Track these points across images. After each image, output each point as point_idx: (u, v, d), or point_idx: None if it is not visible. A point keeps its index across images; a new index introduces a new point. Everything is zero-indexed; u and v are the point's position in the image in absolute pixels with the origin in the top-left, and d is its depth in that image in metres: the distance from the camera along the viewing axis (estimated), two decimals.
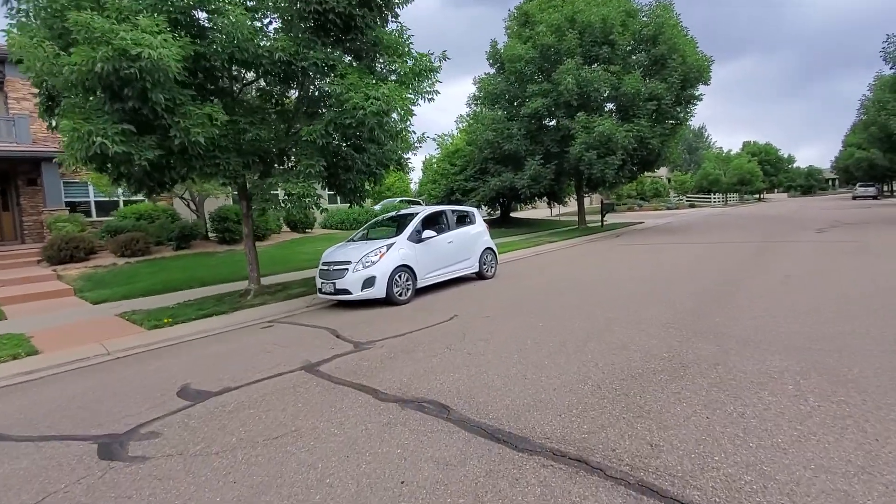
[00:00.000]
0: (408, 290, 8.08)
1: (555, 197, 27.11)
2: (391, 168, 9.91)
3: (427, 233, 8.52)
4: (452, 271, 9.16)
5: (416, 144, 10.46)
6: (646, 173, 28.12)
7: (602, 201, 25.29)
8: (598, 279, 8.97)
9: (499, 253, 14.80)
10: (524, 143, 19.55)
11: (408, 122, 9.00)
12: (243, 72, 8.77)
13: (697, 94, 19.85)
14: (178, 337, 6.99)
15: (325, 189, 9.84)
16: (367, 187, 9.82)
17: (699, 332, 5.11)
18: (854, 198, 50.68)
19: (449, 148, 28.16)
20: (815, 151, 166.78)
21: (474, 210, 10.32)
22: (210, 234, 18.03)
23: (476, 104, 22.79)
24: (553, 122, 21.09)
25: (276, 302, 8.87)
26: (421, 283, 8.42)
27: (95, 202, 19.22)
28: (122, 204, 19.54)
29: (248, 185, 9.02)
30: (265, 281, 11.30)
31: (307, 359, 5.21)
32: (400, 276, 7.95)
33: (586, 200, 25.10)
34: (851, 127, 63.36)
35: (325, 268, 8.13)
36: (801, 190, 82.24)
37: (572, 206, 32.47)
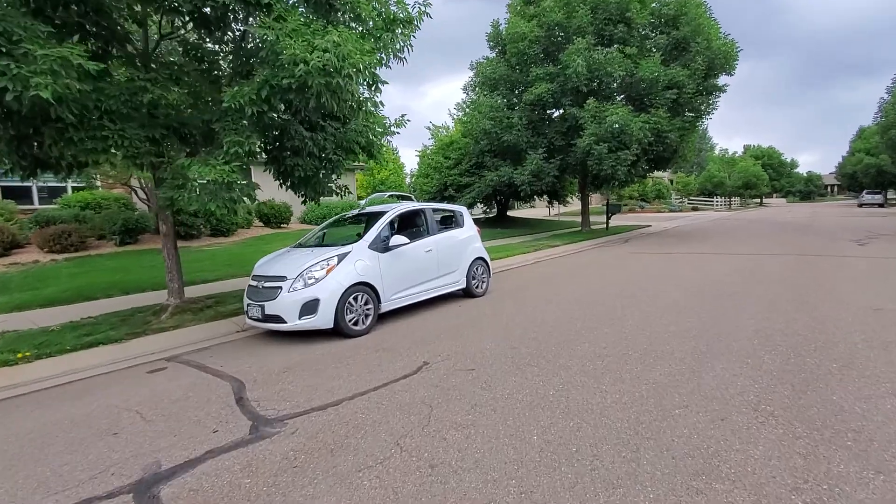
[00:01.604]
0: (367, 316, 5.93)
1: (556, 196, 24.98)
2: (359, 155, 7.74)
3: (396, 239, 6.35)
4: (431, 289, 7.01)
5: (392, 128, 8.32)
6: (652, 173, 26.08)
7: (607, 202, 23.21)
8: (621, 303, 6.86)
9: (494, 259, 12.73)
10: (525, 135, 17.38)
11: (375, 92, 6.83)
12: (156, 16, 6.58)
13: (721, 84, 17.74)
14: (26, 383, 4.84)
15: (278, 180, 7.66)
16: (328, 179, 7.63)
17: (832, 437, 3.01)
18: (860, 205, 49.09)
19: (443, 140, 25.96)
20: (812, 157, 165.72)
21: (462, 210, 8.16)
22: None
23: (473, 91, 20.58)
24: (558, 113, 18.93)
25: (198, 323, 6.71)
26: (387, 307, 6.28)
27: (38, 188, 16.95)
28: (70, 190, 17.31)
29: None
30: (204, 288, 9.14)
31: (158, 460, 3.06)
32: (356, 299, 5.79)
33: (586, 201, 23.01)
34: (859, 132, 61.75)
35: (255, 283, 5.97)
36: (801, 196, 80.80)
37: (573, 205, 30.39)
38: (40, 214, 13.91)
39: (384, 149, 8.80)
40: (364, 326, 5.85)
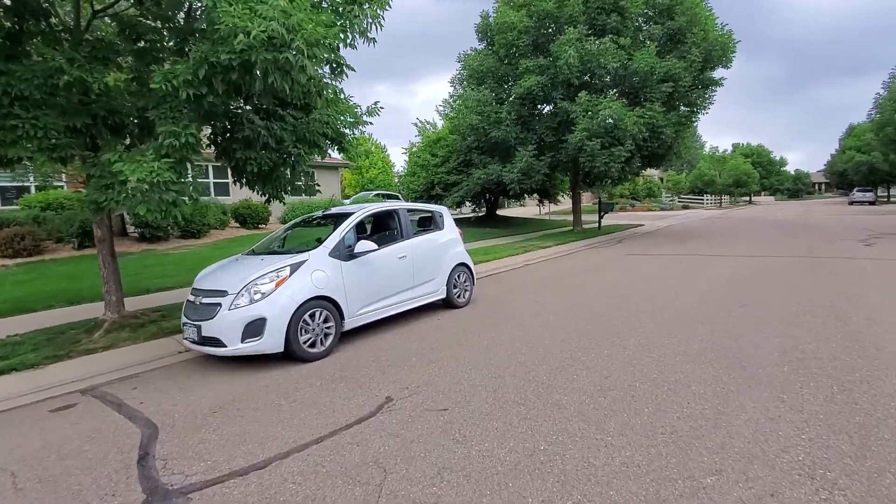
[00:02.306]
0: (326, 336, 5.04)
1: (547, 194, 24.24)
2: (324, 148, 6.84)
3: (363, 244, 5.46)
4: (406, 301, 6.14)
5: (364, 117, 7.45)
6: (645, 171, 25.45)
7: (599, 200, 22.47)
8: (620, 315, 6.05)
9: (480, 261, 11.90)
10: (514, 131, 16.56)
11: (338, 76, 5.93)
12: None
13: (718, 78, 17.05)
14: None
15: (233, 176, 6.74)
16: (293, 176, 6.73)
17: None
18: (851, 203, 49.10)
19: (430, 137, 25.07)
20: (799, 156, 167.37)
21: (442, 210, 7.29)
22: (131, 230, 14.77)
23: (460, 85, 19.71)
24: (549, 108, 18.14)
25: (134, 343, 5.79)
26: (353, 323, 5.39)
27: (2, 188, 15.82)
28: (33, 190, 16.20)
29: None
30: (157, 298, 8.21)
31: None
32: (312, 316, 4.91)
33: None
34: (849, 130, 61.84)
35: (192, 298, 5.05)
36: (788, 194, 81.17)
37: (564, 204, 29.67)
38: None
39: (360, 143, 7.90)
40: (322, 348, 4.97)
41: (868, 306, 6.04)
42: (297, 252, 5.25)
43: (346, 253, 5.39)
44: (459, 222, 24.51)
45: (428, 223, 7.17)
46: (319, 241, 5.40)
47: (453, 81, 20.26)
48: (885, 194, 56.63)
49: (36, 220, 13.40)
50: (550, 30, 16.05)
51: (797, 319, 5.56)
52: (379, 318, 5.75)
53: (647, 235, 18.57)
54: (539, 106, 17.93)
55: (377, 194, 30.06)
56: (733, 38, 16.33)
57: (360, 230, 6.92)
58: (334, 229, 5.52)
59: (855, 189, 51.61)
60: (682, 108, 17.59)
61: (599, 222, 20.78)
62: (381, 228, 6.66)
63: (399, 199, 30.44)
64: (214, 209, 16.92)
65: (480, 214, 25.81)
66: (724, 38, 16.09)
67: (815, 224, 20.85)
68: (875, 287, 7.18)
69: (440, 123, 26.72)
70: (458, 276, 7.02)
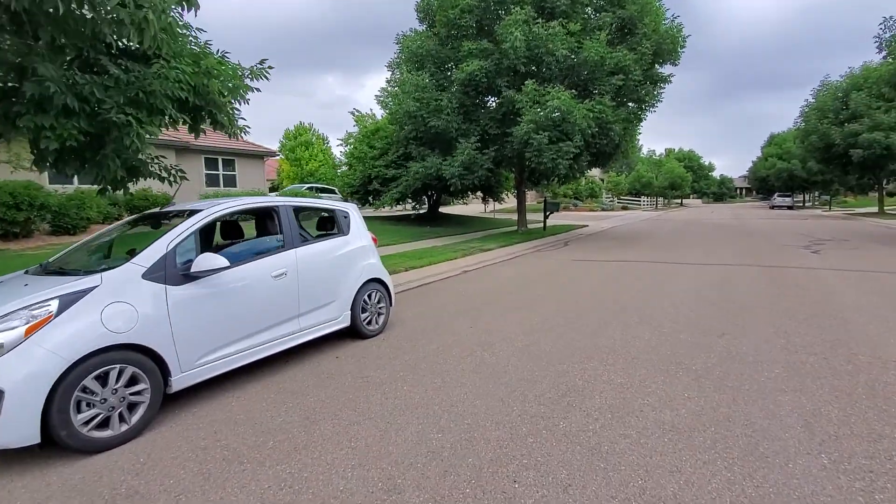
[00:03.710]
0: (133, 407, 3.18)
1: (491, 192, 22.96)
2: (175, 118, 4.88)
3: (208, 259, 3.58)
4: (288, 336, 4.34)
5: (247, 78, 5.62)
6: (591, 169, 24.84)
7: (545, 200, 21.48)
8: (580, 349, 4.60)
9: (414, 266, 10.22)
10: (456, 120, 15.01)
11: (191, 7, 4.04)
12: None
13: (667, 74, 16.34)
14: None
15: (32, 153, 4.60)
16: (125, 153, 4.69)
17: None
18: (772, 207, 52.30)
19: (368, 127, 23.05)
20: (721, 162, 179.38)
21: (348, 209, 5.52)
22: None
23: (398, 69, 17.90)
24: (493, 101, 16.76)
25: None
26: (188, 380, 3.53)
27: None
28: None
29: None
30: None
31: None
32: (103, 380, 3.02)
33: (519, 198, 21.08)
34: (770, 138, 65.92)
35: None
36: (714, 197, 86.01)
37: (509, 202, 28.64)
38: None
39: (236, 116, 5.95)
40: (116, 431, 3.09)
41: (865, 337, 4.95)
42: (84, 273, 3.31)
43: (176, 273, 3.51)
44: (398, 220, 22.70)
45: (327, 227, 5.39)
46: (131, 254, 3.49)
47: (391, 65, 18.41)
48: (801, 199, 60.72)
49: None
50: (496, 8, 14.60)
51: (796, 360, 4.32)
52: (238, 365, 3.91)
53: (594, 237, 17.69)
54: (483, 96, 16.50)
55: (310, 187, 27.59)
56: (682, 31, 15.65)
57: (211, 237, 5.05)
58: (158, 236, 3.61)
59: (776, 194, 54.97)
60: (630, 104, 16.80)
61: (545, 223, 19.74)
62: (233, 236, 4.82)
63: (335, 193, 28.18)
64: (100, 201, 14.10)
65: (421, 212, 24.13)
66: (673, 31, 15.35)
67: (755, 229, 20.94)
68: (856, 308, 6.22)
69: (380, 114, 24.79)
70: (369, 297, 5.30)
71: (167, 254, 3.50)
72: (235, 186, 21.33)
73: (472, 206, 36.08)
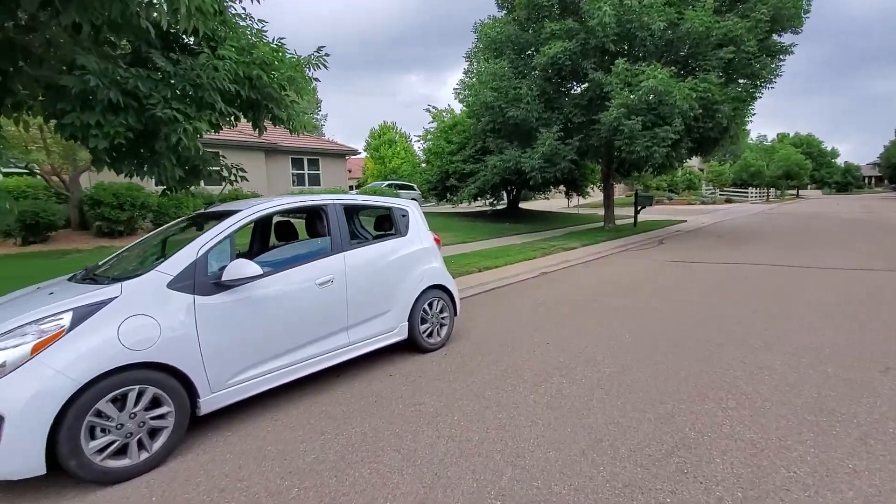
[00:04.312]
0: (154, 434, 2.83)
1: (574, 185, 21.49)
2: (225, 113, 4.59)
3: (238, 267, 3.16)
4: (334, 352, 3.85)
5: (305, 66, 5.28)
6: (690, 159, 22.27)
7: (636, 193, 19.62)
8: (689, 400, 3.62)
9: (487, 266, 9.50)
10: (536, 109, 13.97)
11: None
12: None
13: (787, 44, 13.97)
14: None
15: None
16: (172, 153, 4.48)
17: None
18: None
19: (446, 122, 22.62)
20: (847, 147, 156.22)
21: (407, 207, 4.92)
22: (92, 223, 12.99)
23: (475, 60, 17.18)
24: (577, 87, 15.46)
25: None
26: (218, 402, 3.14)
27: None
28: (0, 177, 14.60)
29: None
30: None
31: None
32: (120, 403, 2.69)
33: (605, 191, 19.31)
34: None
35: None
36: (837, 187, 74.79)
37: (595, 196, 26.76)
38: None
39: (301, 110, 5.66)
40: (135, 460, 2.75)
41: None
42: (113, 282, 3.01)
43: (207, 281, 3.12)
44: (476, 216, 22.05)
45: (384, 226, 4.85)
46: (160, 259, 3.15)
47: (468, 56, 17.73)
48: None
49: None
50: None
51: None
52: (276, 385, 3.48)
53: (694, 235, 15.71)
54: (566, 82, 15.27)
55: (390, 184, 27.87)
56: None
57: (262, 240, 4.71)
58: (189, 241, 3.24)
59: None
60: (741, 80, 14.61)
61: (635, 218, 17.98)
62: (288, 237, 4.41)
63: (414, 189, 28.23)
64: (196, 201, 15.05)
65: (499, 207, 23.24)
66: None
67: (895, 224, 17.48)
68: None
69: (459, 109, 24.25)
70: (430, 306, 4.68)
71: (197, 260, 3.12)
72: (319, 185, 22.00)
73: (554, 201, 34.45)
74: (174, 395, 2.90)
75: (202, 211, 4.24)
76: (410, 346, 4.60)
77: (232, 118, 5.26)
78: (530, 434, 3.00)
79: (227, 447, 3.04)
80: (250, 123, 5.55)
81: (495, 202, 22.89)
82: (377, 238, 4.63)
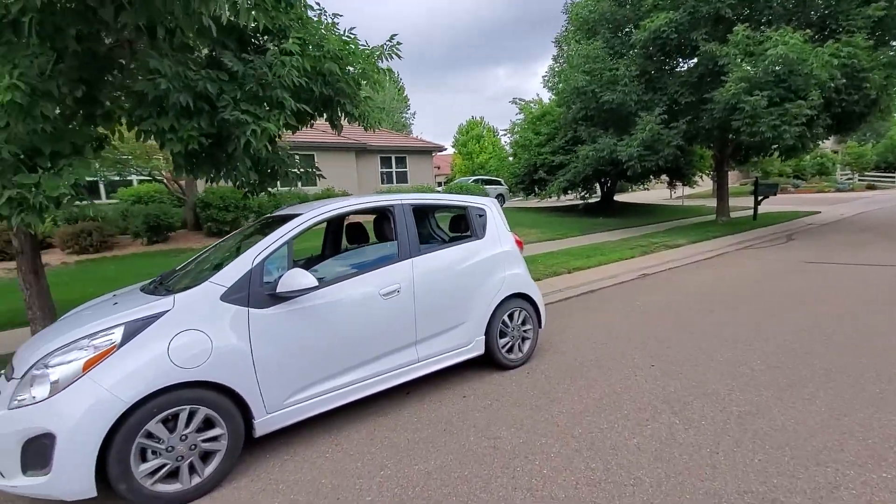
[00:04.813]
0: (207, 456, 2.65)
1: (678, 174, 19.37)
2: (293, 110, 4.37)
3: (294, 278, 2.88)
4: (401, 368, 3.47)
5: (377, 57, 4.98)
6: (826, 139, 19.01)
7: (756, 181, 17.16)
8: (833, 423, 2.72)
9: (578, 267, 8.66)
10: (635, 91, 12.64)
11: None
12: None
13: None
14: None
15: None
16: (244, 155, 4.35)
17: None
18: None
19: (534, 113, 21.65)
20: None
21: (484, 206, 4.37)
22: (204, 224, 14.18)
23: (565, 44, 16.09)
24: (686, 64, 13.78)
25: None
26: (275, 423, 2.90)
27: (108, 182, 16.28)
28: (135, 183, 16.55)
29: None
30: None
31: None
32: (171, 423, 2.52)
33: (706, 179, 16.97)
34: None
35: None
36: None
37: (702, 186, 24.04)
38: (73, 213, 12.96)
39: (376, 105, 5.40)
40: (186, 486, 2.57)
41: None
42: (168, 293, 2.87)
43: (262, 293, 2.88)
44: (566, 210, 20.84)
45: (460, 227, 4.38)
46: (216, 269, 2.96)
47: (557, 41, 16.68)
48: None
49: (124, 213, 13.33)
50: None
51: None
52: (336, 405, 3.17)
53: (832, 228, 13.29)
54: (671, 58, 13.66)
55: (476, 180, 27.42)
56: None
57: (334, 244, 4.46)
58: (246, 248, 3.03)
59: None
60: (894, 42, 12.00)
61: (755, 210, 15.71)
62: (360, 240, 4.09)
63: (501, 184, 27.56)
64: (293, 201, 15.88)
65: (592, 201, 21.77)
66: None
67: None
68: None
69: (548, 98, 23.09)
70: (510, 318, 4.14)
71: (252, 270, 2.89)
72: (407, 182, 22.24)
73: (655, 193, 31.76)
74: (227, 417, 2.69)
75: (272, 214, 4.08)
76: (488, 362, 4.09)
77: (308, 118, 5.14)
78: (634, 499, 2.35)
79: (281, 475, 2.77)
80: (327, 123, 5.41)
81: (587, 195, 21.44)
82: (451, 241, 4.18)
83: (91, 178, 15.53)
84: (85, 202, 3.79)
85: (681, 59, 13.94)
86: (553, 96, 20.13)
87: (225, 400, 2.69)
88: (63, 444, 2.30)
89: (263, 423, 2.85)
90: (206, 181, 4.80)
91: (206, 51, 4.50)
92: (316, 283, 2.90)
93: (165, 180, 13.82)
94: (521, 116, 22.57)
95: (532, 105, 22.35)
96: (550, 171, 18.87)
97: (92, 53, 3.76)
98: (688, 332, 4.85)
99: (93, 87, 3.91)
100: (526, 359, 4.24)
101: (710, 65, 11.59)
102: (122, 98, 4.14)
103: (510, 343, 4.14)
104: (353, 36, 4.89)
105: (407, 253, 3.57)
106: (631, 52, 12.90)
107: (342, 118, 5.27)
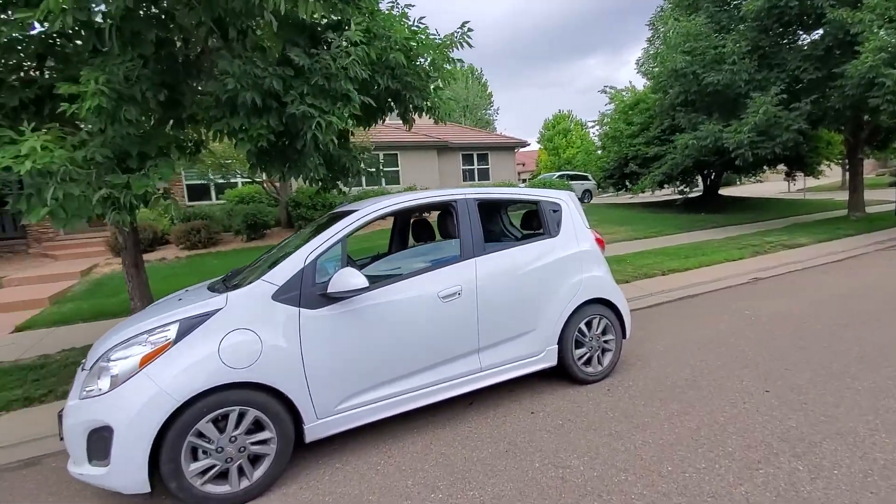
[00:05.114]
0: (257, 460, 2.57)
1: (799, 163, 16.88)
2: (356, 103, 4.26)
3: (345, 278, 2.70)
4: (461, 378, 3.18)
5: (446, 47, 4.75)
6: None
7: None
8: None
9: (676, 268, 7.72)
10: (745, 69, 11.14)
11: None
12: None
13: None
14: None
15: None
16: (311, 152, 4.31)
17: None
18: None
19: (626, 102, 20.20)
20: None
21: (560, 200, 3.89)
22: (295, 222, 15.02)
23: (661, 24, 14.72)
24: (808, 37, 11.93)
25: None
26: (325, 430, 2.77)
27: (216, 185, 17.94)
28: (240, 185, 18.06)
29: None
30: None
31: None
32: (221, 424, 2.47)
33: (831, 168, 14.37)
34: None
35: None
36: None
37: (829, 177, 20.86)
38: (186, 212, 14.36)
39: (445, 96, 5.15)
40: (235, 488, 2.51)
41: None
42: (216, 291, 2.84)
43: (313, 293, 2.75)
44: (662, 206, 19.17)
45: (532, 224, 3.98)
46: (269, 267, 2.88)
47: (652, 22, 15.32)
48: None
49: (229, 213, 14.57)
50: None
51: None
52: (389, 414, 2.96)
53: None
54: (789, 30, 11.89)
55: (561, 175, 26.30)
56: None
57: (400, 241, 4.28)
58: (299, 246, 2.92)
59: None
60: None
61: None
62: (426, 238, 3.85)
63: (589, 179, 26.19)
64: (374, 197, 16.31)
65: (692, 195, 19.79)
66: None
67: None
68: None
69: (641, 86, 21.40)
70: (588, 326, 3.67)
71: (304, 268, 2.77)
72: (488, 179, 21.90)
73: (770, 185, 28.25)
74: (276, 420, 2.59)
75: (333, 211, 4.01)
76: (561, 374, 3.67)
77: (378, 114, 5.05)
78: None
79: (330, 485, 2.62)
80: (400, 119, 5.29)
81: (687, 189, 19.50)
82: (522, 239, 3.80)
83: (201, 181, 17.23)
84: (168, 201, 3.97)
85: (801, 31, 12.08)
86: (647, 82, 18.60)
87: (274, 403, 2.60)
88: (119, 438, 2.33)
89: (314, 429, 2.73)
90: (279, 178, 4.88)
91: (278, 50, 4.55)
92: (366, 284, 2.71)
93: (262, 182, 14.83)
94: (612, 107, 21.21)
95: (624, 93, 20.87)
96: (643, 163, 17.46)
97: (173, 58, 3.93)
98: (813, 350, 4.01)
99: (175, 92, 4.09)
100: (606, 373, 3.74)
101: (840, 34, 9.86)
102: (203, 101, 4.30)
103: (588, 354, 3.67)
104: (422, 26, 4.69)
105: (470, 252, 3.27)
106: (740, 26, 11.40)
107: (413, 113, 5.12)
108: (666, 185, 18.50)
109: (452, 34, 4.75)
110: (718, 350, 4.15)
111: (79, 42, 3.93)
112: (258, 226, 13.46)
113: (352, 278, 2.69)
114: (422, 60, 4.75)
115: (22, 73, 4.19)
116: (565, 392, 3.53)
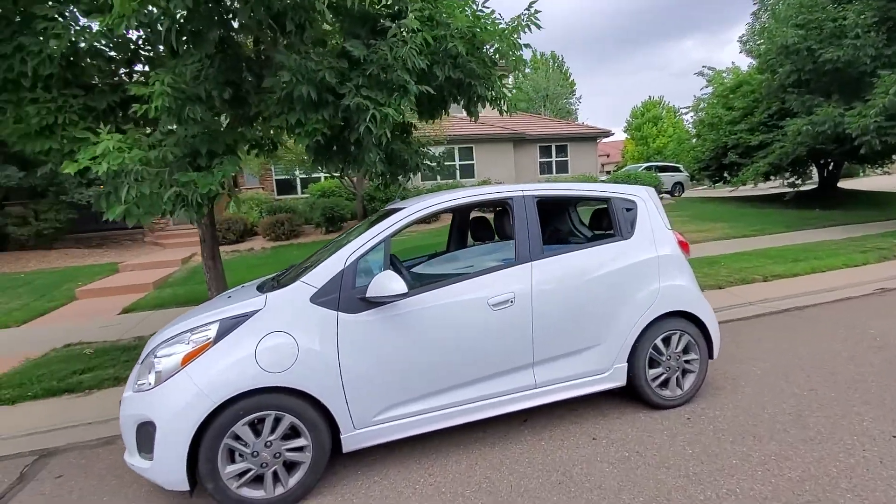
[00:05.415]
0: (291, 468, 2.49)
1: None
2: (411, 97, 4.05)
3: (385, 282, 2.51)
4: (517, 393, 2.89)
5: (512, 33, 4.43)
6: None
7: None
8: None
9: (781, 273, 6.71)
10: (872, 43, 9.46)
11: None
12: None
13: None
14: None
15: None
16: (367, 147, 4.18)
17: None
18: None
19: (727, 84, 18.26)
20: None
21: (637, 195, 3.40)
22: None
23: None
24: None
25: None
26: (363, 441, 2.62)
27: (301, 180, 18.92)
28: (322, 179, 18.92)
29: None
30: None
31: None
32: (257, 428, 2.41)
33: None
34: None
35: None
36: None
37: None
38: (272, 205, 15.26)
39: (509, 86, 4.84)
40: (270, 494, 2.44)
41: None
42: (263, 292, 2.78)
43: (352, 296, 2.60)
44: (767, 200, 17.20)
45: (601, 224, 3.55)
46: (307, 269, 2.78)
47: None
48: None
49: (311, 206, 15.31)
50: None
51: None
52: (432, 428, 2.76)
53: None
54: None
55: (648, 167, 24.45)
56: None
57: (459, 241, 4.03)
58: (341, 246, 2.79)
59: None
60: None
61: None
62: (484, 237, 3.57)
63: (680, 171, 24.20)
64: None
65: (804, 188, 17.39)
66: None
67: None
68: None
69: (745, 66, 19.18)
70: (665, 343, 3.19)
71: (345, 270, 2.63)
72: (567, 172, 20.97)
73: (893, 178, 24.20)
74: (312, 428, 2.49)
75: (387, 207, 3.87)
76: (633, 396, 3.23)
77: (439, 107, 4.86)
78: None
79: (366, 499, 2.48)
80: (464, 110, 5.05)
81: (799, 181, 17.12)
82: (591, 241, 3.40)
83: (287, 177, 18.22)
84: (235, 196, 4.06)
85: None
86: (752, 62, 16.61)
87: (310, 410, 2.50)
88: (161, 435, 2.35)
89: (351, 439, 2.60)
90: (339, 174, 4.85)
91: (339, 42, 4.50)
92: (405, 290, 2.50)
93: (341, 177, 15.35)
94: (709, 90, 19.29)
95: (725, 74, 18.86)
96: (745, 153, 15.66)
97: (236, 57, 4.00)
98: None
99: (239, 90, 4.18)
100: (687, 398, 3.24)
101: None
102: (266, 98, 4.36)
103: (664, 375, 3.19)
104: (487, 10, 4.38)
105: (526, 255, 2.95)
106: None
107: (478, 104, 4.85)
108: (772, 178, 16.46)
109: (519, 17, 4.39)
110: (833, 378, 3.45)
111: (160, 46, 4.14)
112: (335, 219, 13.96)
113: (390, 283, 2.50)
114: (487, 48, 4.47)
115: (115, 79, 4.51)
116: (635, 417, 3.10)
